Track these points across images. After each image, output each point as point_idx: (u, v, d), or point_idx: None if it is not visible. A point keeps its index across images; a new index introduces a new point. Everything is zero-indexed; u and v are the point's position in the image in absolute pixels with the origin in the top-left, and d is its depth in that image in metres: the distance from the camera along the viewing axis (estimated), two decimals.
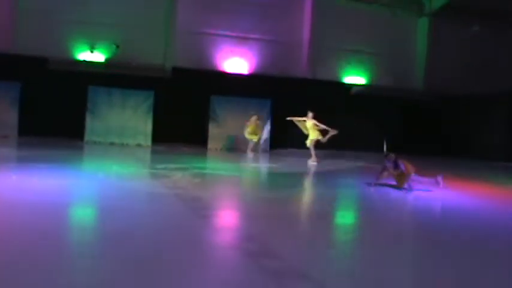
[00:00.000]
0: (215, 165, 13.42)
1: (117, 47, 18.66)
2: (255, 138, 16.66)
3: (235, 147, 17.62)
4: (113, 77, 17.89)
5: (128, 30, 18.90)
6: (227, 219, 6.24)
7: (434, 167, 12.91)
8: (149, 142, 17.21)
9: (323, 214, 6.71)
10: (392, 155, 8.71)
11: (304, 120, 13.67)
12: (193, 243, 4.58)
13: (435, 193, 8.83)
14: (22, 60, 17.15)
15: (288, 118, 13.81)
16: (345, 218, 7.01)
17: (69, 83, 17.39)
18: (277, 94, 18.75)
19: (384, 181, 9.13)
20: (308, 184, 10.83)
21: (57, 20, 18.19)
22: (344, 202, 8.35)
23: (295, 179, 11.04)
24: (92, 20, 18.53)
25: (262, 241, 4.77)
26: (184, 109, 18.37)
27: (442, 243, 5.27)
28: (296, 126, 14.08)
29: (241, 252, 4.36)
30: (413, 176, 8.66)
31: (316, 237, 5.29)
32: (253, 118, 16.55)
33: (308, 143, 13.61)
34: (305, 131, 13.64)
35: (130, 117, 17.29)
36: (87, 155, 14.27)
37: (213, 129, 17.95)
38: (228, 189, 8.92)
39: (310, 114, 13.46)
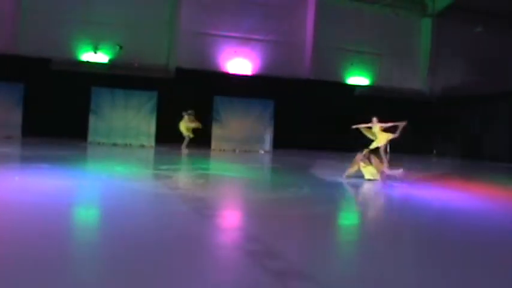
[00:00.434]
0: (219, 166, 13.40)
1: (121, 47, 18.70)
2: (191, 134, 15.95)
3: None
4: (116, 78, 17.93)
5: (132, 31, 18.94)
6: (231, 219, 6.23)
7: (438, 168, 12.82)
8: (152, 143, 17.19)
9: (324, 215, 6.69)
10: (367, 153, 10.38)
11: (370, 127, 12.92)
12: (197, 243, 4.57)
13: (438, 194, 8.79)
14: (26, 61, 17.22)
15: (354, 126, 13.08)
16: (346, 218, 6.98)
17: (72, 84, 17.44)
18: (280, 95, 18.73)
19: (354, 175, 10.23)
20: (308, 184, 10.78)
21: (60, 21, 18.25)
22: (344, 202, 8.33)
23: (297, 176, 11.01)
24: (95, 20, 18.60)
25: (266, 241, 4.75)
26: (188, 110, 18.32)
27: (446, 243, 5.25)
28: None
29: (244, 252, 4.35)
30: (384, 169, 10.31)
31: (319, 237, 5.26)
32: (190, 112, 15.90)
33: (377, 145, 11.96)
34: (372, 137, 12.81)
35: (133, 118, 17.25)
36: (90, 156, 14.27)
37: (216, 130, 17.92)
38: (233, 190, 8.89)
39: (375, 119, 12.70)
